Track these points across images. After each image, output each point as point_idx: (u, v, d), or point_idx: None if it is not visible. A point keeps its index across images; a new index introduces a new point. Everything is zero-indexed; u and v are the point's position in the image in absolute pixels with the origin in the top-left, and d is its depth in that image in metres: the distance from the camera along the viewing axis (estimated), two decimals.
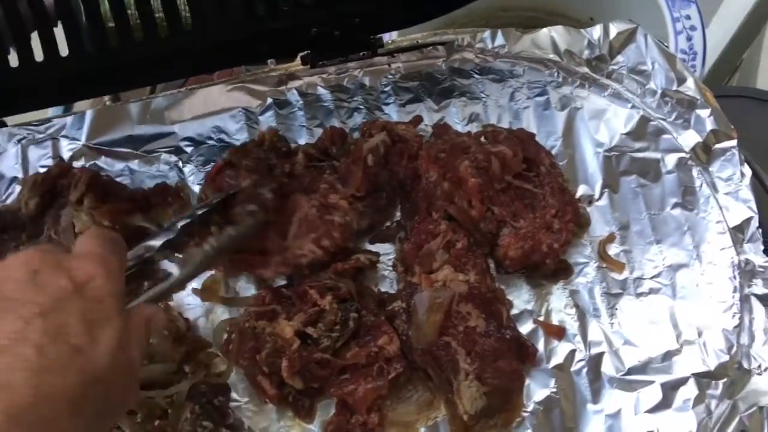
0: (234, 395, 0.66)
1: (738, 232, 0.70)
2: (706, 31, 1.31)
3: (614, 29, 0.78)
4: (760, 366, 0.64)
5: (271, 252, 0.67)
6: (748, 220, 0.70)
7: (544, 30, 0.79)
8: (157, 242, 0.60)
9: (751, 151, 0.96)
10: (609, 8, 1.36)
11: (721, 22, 1.39)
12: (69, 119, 0.78)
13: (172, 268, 0.59)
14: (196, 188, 0.75)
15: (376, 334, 0.65)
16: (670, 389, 0.63)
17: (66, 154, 0.77)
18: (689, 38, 1.21)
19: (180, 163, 0.76)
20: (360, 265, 0.68)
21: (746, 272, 0.68)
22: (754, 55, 1.31)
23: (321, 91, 0.79)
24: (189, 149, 0.77)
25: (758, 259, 0.69)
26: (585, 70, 0.77)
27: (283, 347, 0.63)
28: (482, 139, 0.73)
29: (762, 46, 1.23)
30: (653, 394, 0.63)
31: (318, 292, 0.66)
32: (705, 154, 0.74)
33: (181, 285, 0.62)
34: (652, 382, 0.64)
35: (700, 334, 0.65)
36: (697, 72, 1.19)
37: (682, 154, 0.73)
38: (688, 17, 1.21)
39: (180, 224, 0.63)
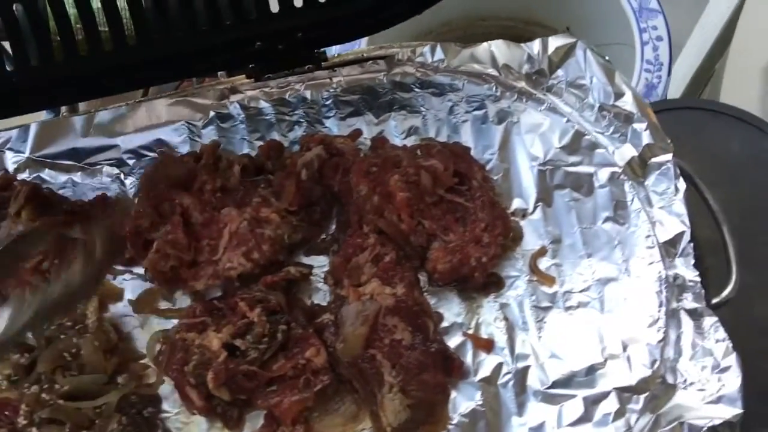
0: (165, 406, 0.67)
1: (670, 246, 0.70)
2: (672, 42, 1.32)
3: (553, 44, 0.78)
4: (685, 381, 0.65)
5: (202, 265, 0.68)
6: (681, 234, 0.70)
7: (484, 44, 0.80)
8: None
9: (699, 162, 0.97)
10: (583, 18, 1.37)
11: (702, 31, 1.40)
12: (14, 132, 0.79)
13: None
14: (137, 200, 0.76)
15: (304, 347, 0.66)
16: (591, 403, 0.64)
17: (11, 167, 0.78)
18: (655, 48, 1.22)
19: (122, 176, 0.77)
20: (291, 277, 0.69)
21: (676, 287, 0.69)
22: (721, 70, 1.31)
23: (263, 104, 0.80)
24: (131, 162, 0.78)
25: (689, 274, 0.69)
26: (522, 84, 0.78)
27: (210, 359, 0.64)
28: (417, 152, 0.73)
29: (725, 66, 1.23)
30: (575, 408, 0.64)
31: (247, 304, 0.67)
32: (641, 167, 0.74)
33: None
34: (574, 396, 0.64)
35: (625, 348, 0.66)
36: (662, 82, 1.20)
37: (615, 169, 0.73)
38: (655, 28, 1.22)
39: None
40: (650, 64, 1.21)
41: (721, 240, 0.74)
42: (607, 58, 0.81)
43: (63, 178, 0.78)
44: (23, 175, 0.77)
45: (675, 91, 1.38)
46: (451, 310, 0.70)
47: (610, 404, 0.63)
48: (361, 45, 1.20)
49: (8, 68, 0.75)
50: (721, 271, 0.73)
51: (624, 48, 1.21)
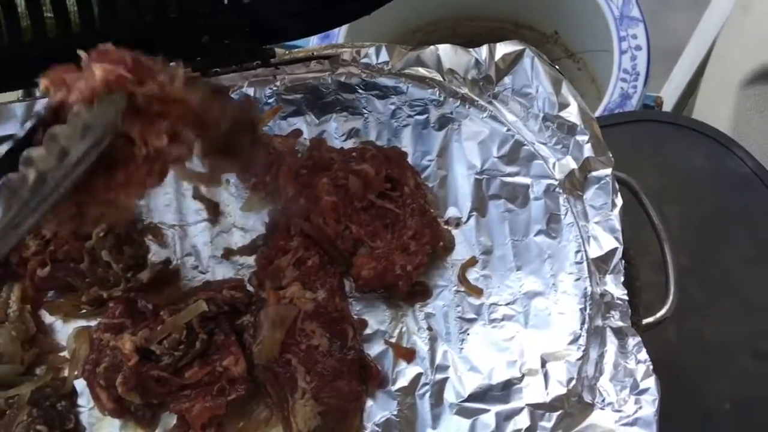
0: (81, 401, 0.67)
1: (602, 262, 0.69)
2: (670, 49, 1.30)
3: (501, 50, 0.77)
4: (603, 400, 0.64)
5: None
6: (613, 251, 0.69)
7: (431, 48, 0.78)
8: None
9: (659, 177, 0.96)
10: (570, 23, 1.36)
11: (697, 43, 1.39)
12: None
13: None
14: None
15: (224, 354, 0.65)
16: (504, 419, 0.63)
17: None
18: (633, 58, 1.21)
19: None
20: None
21: (604, 304, 0.67)
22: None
23: None
24: None
25: (617, 292, 0.68)
26: (466, 90, 0.77)
27: (122, 362, 0.63)
28: (352, 155, 0.72)
29: (698, 88, 1.22)
30: (488, 422, 0.63)
31: (170, 312, 0.66)
32: (580, 180, 0.73)
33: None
34: (488, 411, 0.63)
35: (543, 365, 0.65)
36: (638, 93, 1.19)
37: (551, 181, 0.72)
38: (635, 36, 1.21)
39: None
40: (627, 74, 1.19)
41: (662, 258, 0.73)
42: (557, 67, 0.80)
43: None
44: None
45: (669, 100, 1.37)
46: (375, 318, 0.69)
47: (522, 421, 0.62)
48: (339, 39, 1.20)
49: None
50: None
51: (608, 55, 1.20)
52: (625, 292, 0.67)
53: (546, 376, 0.64)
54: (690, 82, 1.36)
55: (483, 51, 0.78)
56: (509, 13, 1.44)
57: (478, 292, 0.69)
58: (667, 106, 1.33)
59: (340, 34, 1.18)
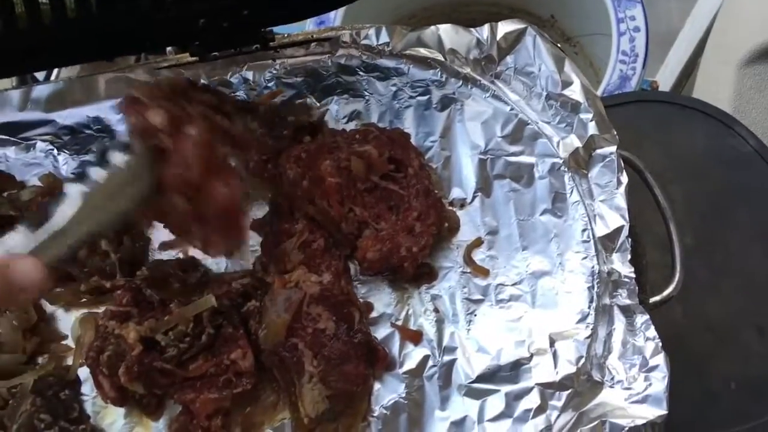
0: (85, 389, 0.66)
1: (608, 240, 0.69)
2: (664, 33, 1.29)
3: (502, 29, 0.76)
4: (612, 378, 0.63)
5: None
6: (619, 229, 0.68)
7: (432, 28, 0.77)
8: None
9: (662, 157, 0.95)
10: (567, 6, 1.35)
11: (693, 23, 1.38)
12: None
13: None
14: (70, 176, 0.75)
15: (231, 347, 0.63)
16: (513, 399, 0.62)
17: None
18: (632, 39, 1.20)
19: (55, 152, 0.76)
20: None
21: (611, 282, 0.67)
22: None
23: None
24: (66, 138, 0.76)
25: (624, 270, 0.67)
26: (468, 70, 0.76)
27: (125, 351, 0.62)
28: (355, 137, 0.71)
29: (698, 68, 1.21)
30: (497, 403, 0.62)
31: (179, 303, 0.65)
32: (585, 159, 0.72)
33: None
34: (497, 391, 0.63)
35: (552, 344, 0.64)
36: (637, 74, 1.18)
37: (556, 160, 0.71)
38: (633, 18, 1.20)
39: None
40: (626, 56, 1.19)
41: (668, 237, 0.73)
42: (558, 45, 0.79)
43: None
44: None
45: (665, 84, 1.36)
46: (381, 300, 0.68)
47: (532, 400, 0.62)
48: (337, 23, 1.18)
49: None
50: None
51: (606, 38, 1.19)
52: (632, 269, 0.67)
53: (555, 355, 0.64)
54: (686, 64, 1.35)
55: (485, 30, 0.77)
56: None
57: (484, 272, 0.68)
58: (663, 90, 1.33)
59: (336, 20, 1.17)
